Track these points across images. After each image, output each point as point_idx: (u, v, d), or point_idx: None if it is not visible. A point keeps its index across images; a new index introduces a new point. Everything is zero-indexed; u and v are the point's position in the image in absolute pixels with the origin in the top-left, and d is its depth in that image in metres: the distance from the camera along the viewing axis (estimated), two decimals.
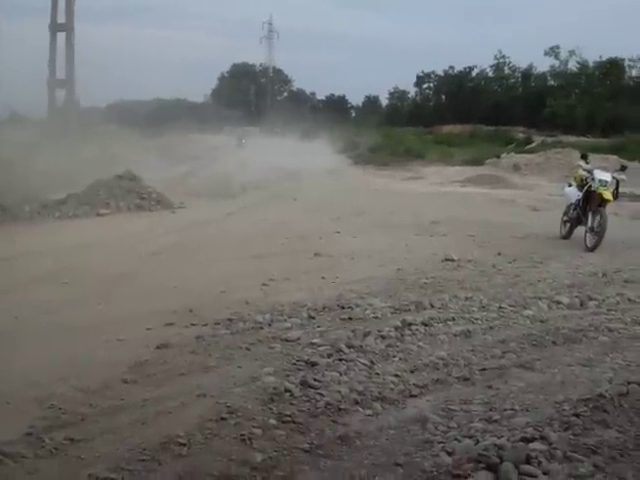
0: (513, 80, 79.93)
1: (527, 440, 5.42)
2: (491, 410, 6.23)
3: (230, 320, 9.41)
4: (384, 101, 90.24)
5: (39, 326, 9.41)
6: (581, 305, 10.24)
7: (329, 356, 7.68)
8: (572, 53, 73.63)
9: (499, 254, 14.55)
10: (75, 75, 43.38)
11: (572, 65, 74.72)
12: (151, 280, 12.49)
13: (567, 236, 17.37)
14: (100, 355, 8.17)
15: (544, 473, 5.00)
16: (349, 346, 7.93)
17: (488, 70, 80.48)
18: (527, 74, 78.35)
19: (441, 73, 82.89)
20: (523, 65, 78.31)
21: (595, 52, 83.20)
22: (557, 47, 73.72)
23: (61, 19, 43.61)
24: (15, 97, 40.70)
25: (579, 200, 16.86)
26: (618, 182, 16.72)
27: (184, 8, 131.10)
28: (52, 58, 44.00)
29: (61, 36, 43.53)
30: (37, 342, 8.71)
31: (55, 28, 43.79)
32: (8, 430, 5.96)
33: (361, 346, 7.97)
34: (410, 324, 8.80)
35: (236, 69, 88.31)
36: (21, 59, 46.30)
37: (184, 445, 5.63)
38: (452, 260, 13.79)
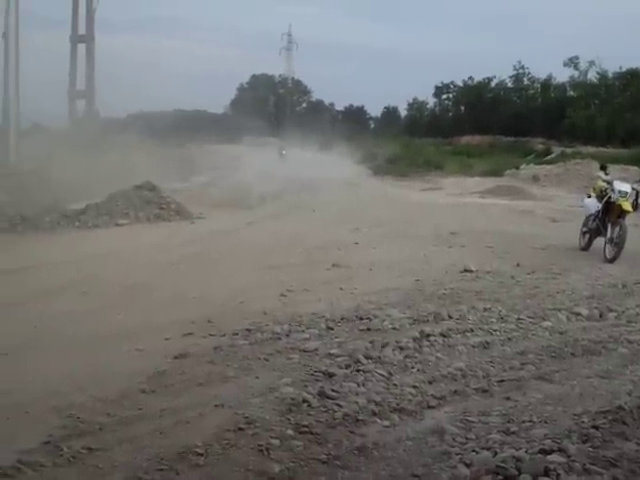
0: (532, 91, 79.64)
1: (545, 452, 5.40)
2: (509, 422, 6.22)
3: (248, 330, 9.42)
4: (403, 112, 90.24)
5: (59, 336, 9.47)
6: (600, 317, 10.21)
7: (347, 367, 7.68)
8: (592, 64, 73.43)
9: (518, 265, 14.49)
10: (95, 86, 43.63)
11: (592, 76, 74.49)
12: (170, 290, 12.52)
13: (586, 247, 17.28)
14: (119, 365, 8.20)
15: None
16: (367, 357, 7.93)
17: (507, 81, 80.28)
18: (546, 85, 78.08)
19: (460, 84, 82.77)
20: (542, 76, 78.07)
21: (615, 62, 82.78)
22: (576, 58, 73.58)
23: (82, 30, 43.88)
24: (36, 108, 40.95)
25: (598, 211, 16.78)
26: (638, 193, 16.63)
27: (204, 20, 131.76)
28: (73, 69, 44.27)
29: (82, 47, 43.80)
30: (57, 351, 8.77)
31: (76, 39, 44.08)
32: (27, 439, 6.00)
33: (379, 357, 7.97)
34: (428, 335, 8.79)
35: (255, 80, 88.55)
36: (42, 70, 46.43)
37: (202, 455, 5.64)
38: (471, 271, 13.75)
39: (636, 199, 16.54)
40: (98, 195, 24.18)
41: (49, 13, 72.46)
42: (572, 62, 73.89)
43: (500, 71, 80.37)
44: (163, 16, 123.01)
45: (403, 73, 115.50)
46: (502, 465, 5.23)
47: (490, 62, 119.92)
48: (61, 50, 44.78)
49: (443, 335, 8.86)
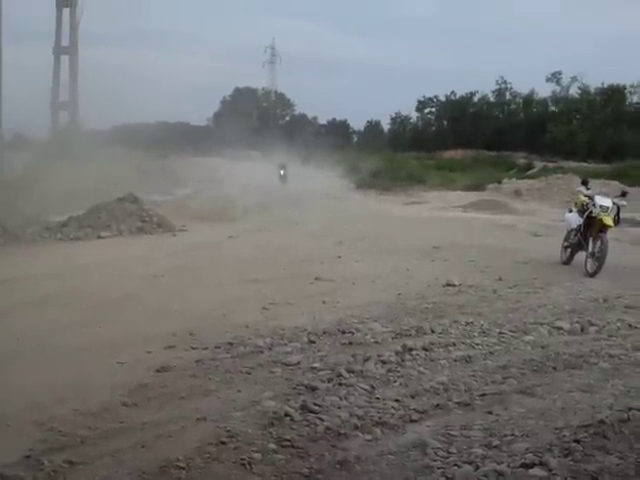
0: (514, 106, 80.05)
1: (527, 466, 5.43)
2: (491, 436, 6.23)
3: (230, 344, 9.42)
4: (386, 126, 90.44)
5: (40, 348, 9.42)
6: (582, 331, 10.24)
7: (329, 381, 7.69)
8: (574, 79, 73.95)
9: (500, 279, 14.53)
10: (78, 98, 43.55)
11: (573, 91, 75.01)
12: (152, 303, 12.49)
13: (568, 262, 17.35)
14: (100, 377, 8.17)
15: None
16: (349, 371, 7.94)
17: (490, 95, 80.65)
18: (528, 100, 78.46)
19: (443, 98, 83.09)
20: (524, 91, 78.54)
21: (596, 78, 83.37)
22: (559, 73, 74.06)
23: (65, 42, 43.83)
24: (19, 119, 40.79)
25: (580, 226, 16.85)
26: (619, 208, 16.72)
27: (188, 32, 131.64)
28: (56, 81, 44.23)
29: (65, 59, 43.74)
30: (38, 364, 8.72)
31: (59, 51, 44.06)
32: (7, 452, 5.97)
33: (361, 371, 7.98)
34: (411, 349, 8.80)
35: (238, 93, 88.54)
36: (25, 81, 46.35)
37: (183, 469, 5.63)
38: (453, 285, 13.78)
39: (617, 214, 16.63)
40: (80, 207, 24.11)
41: (32, 24, 72.29)
42: (554, 77, 74.43)
43: (483, 86, 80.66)
44: (147, 28, 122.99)
45: (387, 88, 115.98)
46: (484, 479, 5.24)
47: (473, 77, 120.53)
48: (44, 62, 44.72)
49: (425, 349, 8.88)
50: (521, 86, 79.67)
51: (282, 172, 43.45)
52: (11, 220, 22.29)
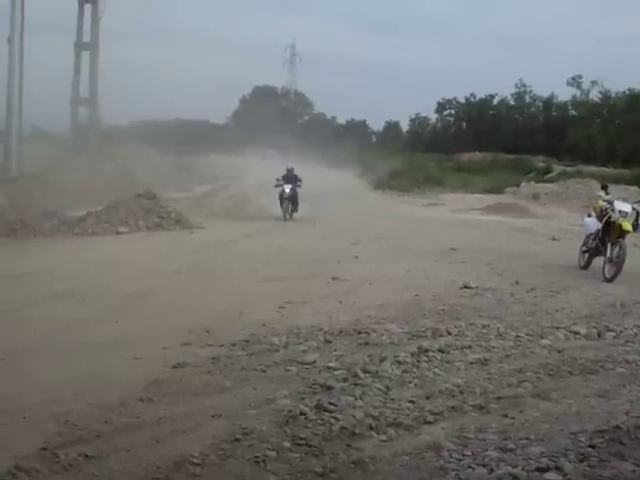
0: (534, 109, 79.76)
1: (542, 470, 5.41)
2: (506, 439, 6.21)
3: (246, 341, 9.45)
4: (405, 127, 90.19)
5: (57, 343, 9.48)
6: (598, 336, 10.19)
7: (345, 380, 7.68)
8: (594, 83, 73.47)
9: (517, 283, 14.48)
10: (99, 93, 43.60)
11: (594, 95, 74.61)
12: (169, 299, 12.53)
13: (586, 266, 17.27)
14: (117, 373, 8.21)
15: None
16: (365, 371, 7.93)
17: (509, 98, 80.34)
18: (548, 103, 78.09)
19: (462, 100, 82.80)
20: (545, 94, 78.20)
21: (618, 83, 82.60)
22: (579, 77, 73.60)
23: (86, 38, 43.91)
24: (39, 113, 40.98)
25: (598, 230, 16.77)
26: (638, 213, 16.64)
27: (208, 30, 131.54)
28: (76, 76, 44.25)
29: (86, 55, 43.80)
30: (55, 358, 8.76)
31: (80, 47, 44.10)
32: (24, 445, 6.00)
33: (377, 371, 7.96)
34: (426, 350, 8.78)
35: (258, 91, 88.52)
36: (46, 76, 46.56)
37: (198, 465, 5.65)
38: (470, 288, 13.75)
39: (636, 219, 16.54)
40: (99, 202, 24.22)
41: (54, 19, 72.48)
42: (575, 81, 73.98)
43: (503, 88, 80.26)
44: (168, 25, 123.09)
45: (407, 88, 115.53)
46: None
47: (493, 79, 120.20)
48: (65, 57, 44.81)
49: (441, 351, 8.85)
50: (541, 89, 79.44)
51: (285, 188, 28.57)
52: (30, 214, 22.42)
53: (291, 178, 28.97)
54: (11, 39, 34.00)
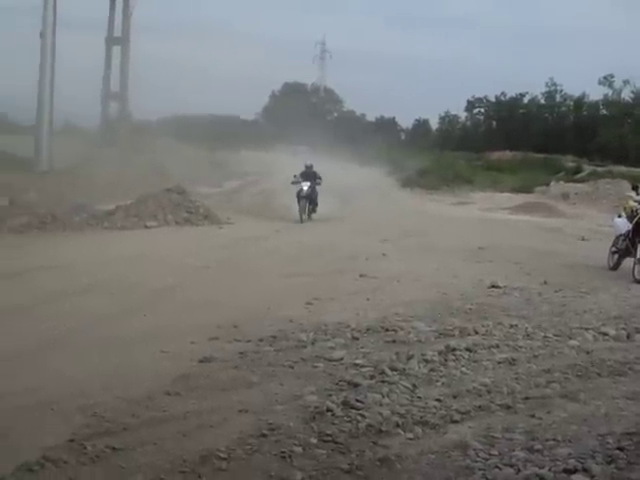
0: (565, 108, 79.23)
1: (569, 472, 5.39)
2: (533, 440, 6.18)
3: (274, 337, 9.46)
4: (434, 125, 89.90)
5: (85, 336, 9.54)
6: (628, 338, 10.10)
7: (372, 377, 7.68)
8: (626, 82, 72.86)
9: (545, 282, 14.40)
10: (129, 88, 43.87)
11: (626, 95, 74.04)
12: (197, 294, 12.57)
13: (615, 267, 17.15)
14: (144, 366, 8.25)
15: None
16: (392, 368, 7.92)
17: (540, 97, 79.86)
18: (579, 102, 77.53)
19: (492, 99, 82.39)
20: (576, 93, 77.65)
21: None
22: (611, 76, 72.95)
23: (118, 33, 44.18)
24: (70, 108, 41.29)
25: (629, 231, 16.64)
26: None
27: (238, 26, 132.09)
28: (107, 71, 44.58)
29: (116, 49, 44.08)
30: (83, 352, 8.82)
31: (111, 41, 44.40)
32: (52, 436, 6.04)
33: (404, 369, 7.95)
34: (454, 349, 8.75)
35: (288, 88, 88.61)
36: (77, 70, 46.92)
37: (225, 459, 5.66)
38: (498, 287, 13.68)
39: None
40: (128, 197, 24.35)
41: (86, 14, 72.83)
42: (607, 80, 73.36)
43: (533, 87, 79.75)
44: (198, 20, 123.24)
45: (436, 86, 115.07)
46: None
47: (524, 78, 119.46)
48: (96, 52, 45.14)
49: (469, 350, 8.82)
50: (572, 88, 78.84)
51: (303, 186, 26.66)
52: (59, 208, 22.60)
53: (310, 175, 27.07)
54: (43, 34, 34.33)
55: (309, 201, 26.51)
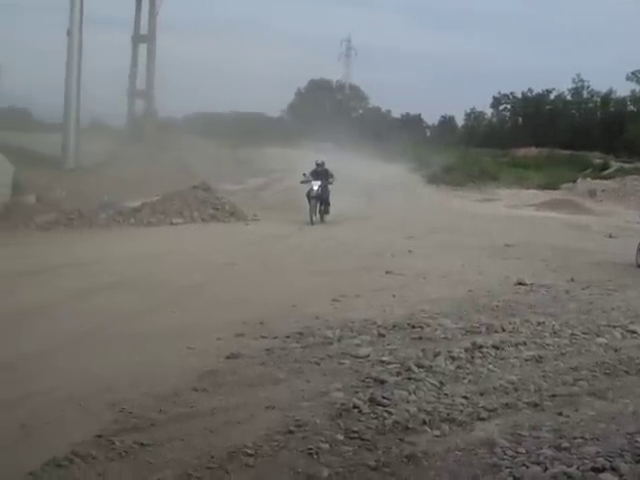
0: (592, 104, 78.73)
1: (597, 470, 5.36)
2: (561, 438, 6.15)
3: (300, 334, 9.47)
4: (460, 121, 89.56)
5: (112, 333, 9.59)
6: None
7: (398, 374, 7.68)
8: None
9: (572, 280, 14.33)
10: (155, 86, 43.98)
11: None
12: (223, 291, 12.62)
13: None
14: (171, 362, 8.30)
15: None
16: (419, 365, 7.92)
17: (566, 93, 79.40)
18: (606, 99, 77.00)
19: (519, 95, 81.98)
20: (603, 89, 77.14)
21: None
22: (639, 72, 72.59)
23: (144, 30, 44.32)
24: (96, 105, 41.47)
25: None
26: None
27: (263, 23, 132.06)
28: (133, 69, 44.73)
29: (142, 47, 44.22)
30: (110, 348, 8.87)
31: (138, 39, 44.54)
32: (80, 431, 6.09)
33: (431, 366, 7.94)
34: (480, 346, 8.73)
35: (313, 85, 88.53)
36: (103, 68, 47.12)
37: (252, 456, 5.69)
38: (525, 284, 13.63)
39: None
40: (154, 194, 24.47)
41: (112, 13, 73.17)
42: (635, 76, 72.83)
43: (560, 84, 79.33)
44: (224, 19, 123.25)
45: (461, 83, 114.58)
46: None
47: (550, 74, 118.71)
48: (122, 50, 45.32)
49: (495, 347, 8.80)
50: (599, 85, 78.35)
51: (314, 185, 24.80)
52: (86, 205, 22.75)
53: (321, 174, 25.03)
54: (70, 32, 34.45)
55: (320, 201, 24.75)
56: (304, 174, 25.10)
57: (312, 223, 23.96)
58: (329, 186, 24.87)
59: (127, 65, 45.01)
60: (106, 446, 5.85)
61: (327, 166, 25.46)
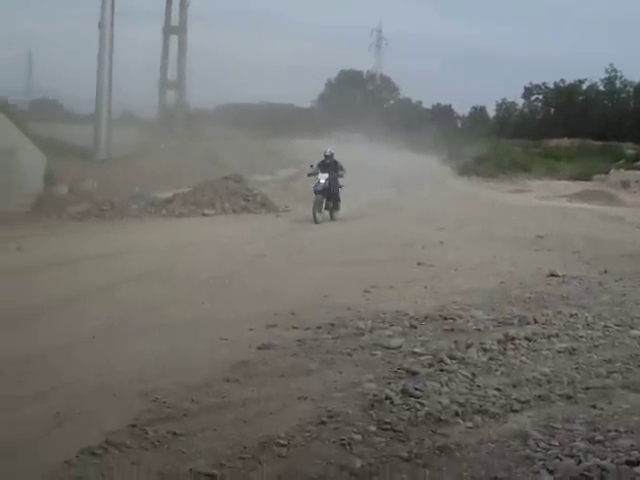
0: (624, 95, 78.06)
1: (632, 464, 5.32)
2: (594, 430, 6.12)
3: (332, 325, 9.48)
4: (491, 112, 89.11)
5: (144, 323, 9.66)
6: None
7: (430, 366, 7.67)
8: None
9: (605, 272, 14.20)
10: (186, 77, 44.15)
11: None
12: (254, 281, 12.65)
13: None
14: (203, 353, 8.34)
15: None
16: (451, 357, 7.90)
17: (599, 84, 78.80)
18: (639, 89, 76.44)
19: (551, 85, 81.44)
20: (636, 79, 76.42)
21: None
22: None
23: (175, 22, 44.49)
24: (128, 97, 41.72)
25: None
26: None
27: (294, 14, 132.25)
28: (164, 60, 44.96)
29: (174, 39, 44.40)
30: (142, 338, 8.94)
31: (168, 31, 44.76)
32: (114, 421, 6.14)
33: (463, 358, 7.93)
34: (513, 338, 8.70)
35: (343, 75, 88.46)
36: (135, 60, 47.43)
37: (284, 446, 5.70)
38: (557, 276, 13.53)
39: None
40: (185, 185, 24.57)
41: (143, 5, 73.45)
42: None
43: (592, 74, 78.70)
44: (254, 10, 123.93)
45: (493, 73, 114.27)
46: (587, 474, 5.17)
47: (582, 64, 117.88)
48: (153, 41, 45.55)
49: (528, 339, 8.76)
50: (633, 74, 77.57)
51: (320, 178, 22.26)
52: (118, 196, 22.90)
53: (329, 166, 22.53)
54: (102, 24, 34.64)
55: (327, 196, 22.20)
56: (311, 165, 23.09)
57: (316, 221, 21.47)
58: (339, 179, 22.65)
59: (158, 57, 45.23)
60: (140, 435, 5.89)
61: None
